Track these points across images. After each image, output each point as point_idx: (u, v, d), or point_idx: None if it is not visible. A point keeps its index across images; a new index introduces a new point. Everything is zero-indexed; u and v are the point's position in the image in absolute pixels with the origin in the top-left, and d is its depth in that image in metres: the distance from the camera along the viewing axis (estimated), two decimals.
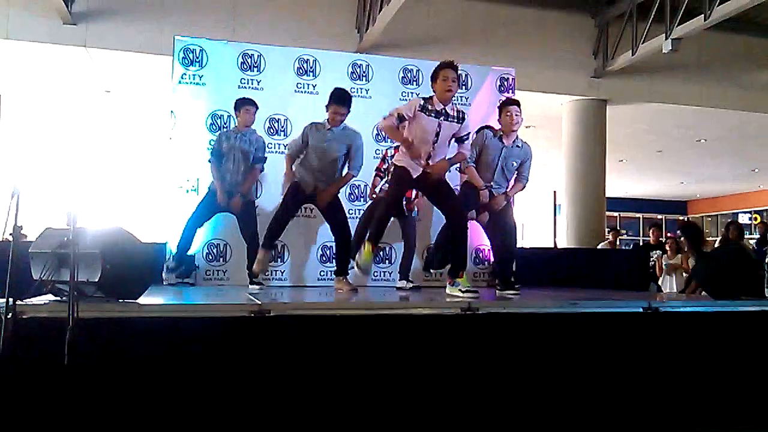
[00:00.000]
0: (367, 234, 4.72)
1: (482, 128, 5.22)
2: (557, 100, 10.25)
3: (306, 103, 6.29)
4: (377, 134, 6.41)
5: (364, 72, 6.64)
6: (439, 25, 9.16)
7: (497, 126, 5.26)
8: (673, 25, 8.59)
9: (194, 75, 6.23)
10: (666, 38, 8.70)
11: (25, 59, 8.84)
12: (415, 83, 6.66)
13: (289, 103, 6.38)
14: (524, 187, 5.32)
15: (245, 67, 6.36)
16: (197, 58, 6.25)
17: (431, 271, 5.73)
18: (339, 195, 5.32)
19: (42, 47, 8.26)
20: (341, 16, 8.89)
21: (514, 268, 5.83)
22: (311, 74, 6.51)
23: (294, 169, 5.26)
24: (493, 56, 8.47)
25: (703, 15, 8.22)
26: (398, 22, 8.06)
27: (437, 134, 4.51)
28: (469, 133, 4.74)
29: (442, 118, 4.51)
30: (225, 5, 8.50)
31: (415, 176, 4.59)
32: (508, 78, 7.03)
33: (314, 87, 6.48)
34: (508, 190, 5.20)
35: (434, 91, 4.56)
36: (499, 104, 5.34)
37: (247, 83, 6.31)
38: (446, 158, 4.64)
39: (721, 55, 10.27)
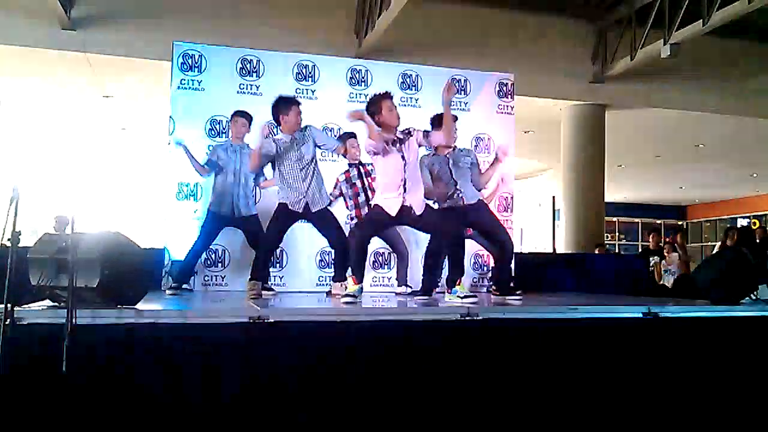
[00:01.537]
0: (349, 268, 4.69)
1: (423, 157, 5.16)
2: (556, 105, 10.26)
3: (305, 109, 6.26)
4: None
5: (363, 77, 6.64)
6: (438, 30, 9.17)
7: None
8: (672, 30, 8.61)
9: (193, 80, 6.23)
10: (665, 43, 8.71)
11: (24, 64, 8.84)
12: (414, 88, 6.66)
13: None
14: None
15: (244, 72, 6.36)
16: (196, 63, 6.25)
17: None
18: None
19: (41, 52, 8.26)
20: (340, 22, 8.90)
21: (513, 274, 5.83)
22: (310, 79, 6.51)
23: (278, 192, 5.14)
24: (492, 61, 8.48)
25: (701, 20, 8.23)
26: (397, 27, 8.07)
27: (403, 157, 4.52)
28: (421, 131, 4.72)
29: (398, 145, 4.54)
30: (224, 10, 8.50)
31: (394, 214, 4.55)
32: (507, 83, 7.04)
33: (313, 92, 6.49)
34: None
35: (381, 125, 4.52)
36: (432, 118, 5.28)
37: (246, 89, 6.31)
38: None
39: (719, 60, 10.27)
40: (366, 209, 5.67)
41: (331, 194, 5.66)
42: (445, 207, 5.11)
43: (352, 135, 5.80)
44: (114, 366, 3.04)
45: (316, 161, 5.11)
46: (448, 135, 4.69)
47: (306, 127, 5.12)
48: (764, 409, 3.99)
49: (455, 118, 5.19)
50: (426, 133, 4.65)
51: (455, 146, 5.24)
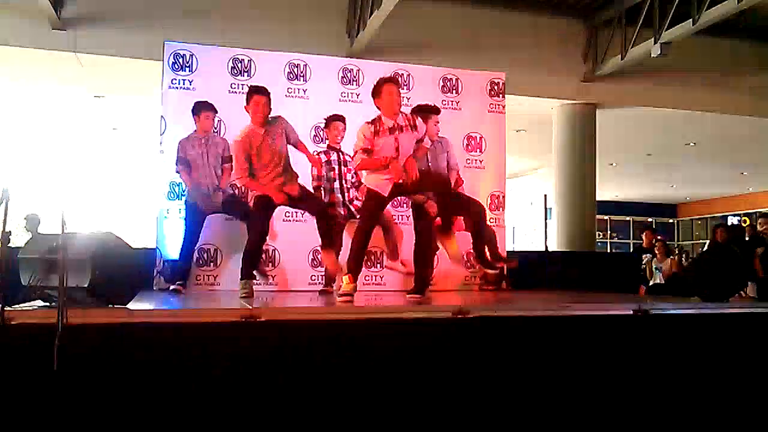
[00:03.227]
0: (346, 265, 4.64)
1: None
2: (547, 104, 10.27)
3: (296, 108, 6.28)
4: None
5: (354, 76, 6.64)
6: (430, 29, 9.17)
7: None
8: (662, 29, 8.63)
9: (184, 80, 6.22)
10: (655, 43, 8.74)
11: (14, 64, 8.79)
12: (406, 87, 6.66)
13: (279, 108, 6.29)
14: (458, 172, 5.63)
15: (235, 71, 6.36)
16: (187, 63, 6.24)
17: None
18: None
19: (31, 52, 8.22)
20: (331, 21, 8.89)
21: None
22: (302, 79, 6.51)
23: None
24: (484, 61, 8.48)
25: (691, 20, 8.27)
26: (389, 26, 8.07)
27: (397, 149, 4.49)
28: (425, 134, 4.74)
29: (397, 132, 4.50)
30: (215, 10, 8.47)
31: (386, 194, 4.55)
32: (498, 82, 7.06)
33: (305, 92, 6.49)
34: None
35: (379, 108, 4.54)
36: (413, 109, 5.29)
37: (238, 88, 6.29)
38: (411, 156, 4.60)
39: (709, 59, 10.31)
40: (340, 196, 5.68)
41: (316, 177, 5.67)
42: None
43: (339, 118, 5.80)
44: (105, 365, 3.04)
45: (287, 150, 5.11)
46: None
47: (277, 119, 5.10)
48: (753, 405, 4.02)
49: (437, 111, 5.35)
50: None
51: (435, 139, 5.31)
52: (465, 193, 5.67)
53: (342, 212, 5.68)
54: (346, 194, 5.70)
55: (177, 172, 5.69)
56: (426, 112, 5.22)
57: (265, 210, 5.03)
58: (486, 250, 5.16)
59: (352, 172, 5.67)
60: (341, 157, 5.73)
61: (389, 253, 5.89)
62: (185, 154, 5.62)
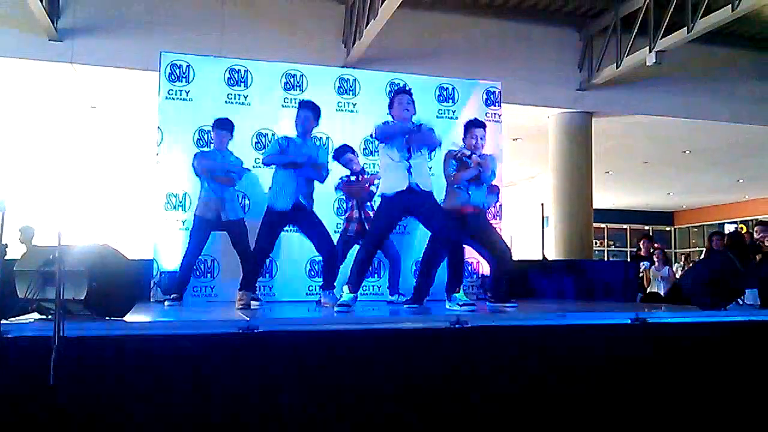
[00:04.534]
0: (348, 276, 4.66)
1: (447, 154, 5.25)
2: (543, 113, 10.30)
3: (293, 118, 6.27)
4: (365, 148, 6.46)
5: (351, 86, 6.65)
6: (426, 38, 9.20)
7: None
8: (657, 38, 8.67)
9: (181, 90, 6.22)
10: (650, 51, 8.77)
11: (10, 75, 8.79)
12: None
13: (276, 118, 6.36)
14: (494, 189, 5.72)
15: (232, 82, 6.36)
16: (184, 73, 6.24)
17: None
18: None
19: (27, 63, 8.22)
20: (328, 31, 8.91)
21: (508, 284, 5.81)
22: (298, 89, 6.52)
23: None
24: (480, 70, 8.51)
25: (686, 28, 8.31)
26: (385, 36, 8.09)
27: (409, 150, 4.60)
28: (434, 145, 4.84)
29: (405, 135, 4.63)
30: (212, 20, 8.49)
31: (396, 192, 4.57)
32: (494, 91, 7.07)
33: None
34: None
35: (393, 116, 4.72)
36: (465, 124, 5.37)
37: (234, 98, 6.31)
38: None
39: (704, 68, 10.36)
40: (357, 212, 5.71)
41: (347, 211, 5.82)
42: (448, 209, 5.02)
43: (350, 149, 5.86)
44: (103, 378, 3.02)
45: (308, 168, 5.15)
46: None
47: (316, 145, 5.36)
48: (753, 414, 4.01)
49: (483, 126, 5.33)
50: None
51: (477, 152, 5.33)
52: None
53: (356, 227, 5.72)
54: (363, 212, 5.72)
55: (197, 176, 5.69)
56: (470, 126, 5.29)
57: (272, 229, 5.08)
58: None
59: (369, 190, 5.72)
60: (358, 178, 5.79)
61: (390, 286, 5.92)
62: (201, 167, 5.62)
